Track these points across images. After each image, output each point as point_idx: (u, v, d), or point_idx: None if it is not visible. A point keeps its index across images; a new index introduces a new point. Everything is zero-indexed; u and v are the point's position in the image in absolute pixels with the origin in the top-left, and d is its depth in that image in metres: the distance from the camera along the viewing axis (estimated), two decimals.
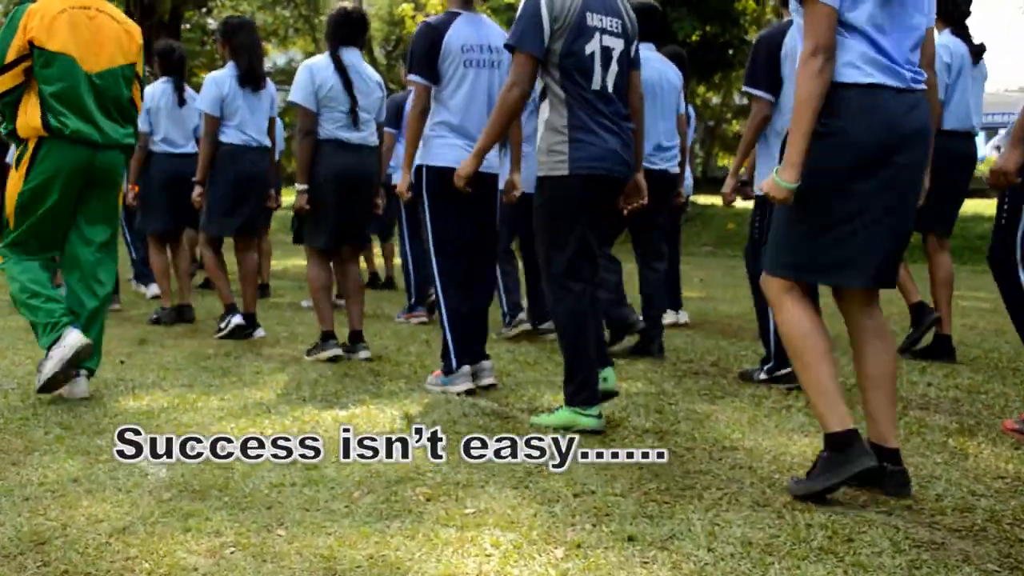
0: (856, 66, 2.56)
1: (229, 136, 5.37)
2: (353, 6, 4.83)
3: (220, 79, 5.36)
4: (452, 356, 4.02)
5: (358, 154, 4.75)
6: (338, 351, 4.73)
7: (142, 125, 5.95)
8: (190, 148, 6.09)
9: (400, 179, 4.15)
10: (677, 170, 5.37)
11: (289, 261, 11.30)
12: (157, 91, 6.04)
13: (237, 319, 5.47)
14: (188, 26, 27.96)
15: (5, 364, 4.59)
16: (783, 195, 2.59)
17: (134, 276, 8.28)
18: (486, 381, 4.11)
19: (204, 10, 26.90)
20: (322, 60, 4.71)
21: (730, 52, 17.58)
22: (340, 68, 4.65)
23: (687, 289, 7.58)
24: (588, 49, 3.32)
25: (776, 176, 2.59)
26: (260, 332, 5.53)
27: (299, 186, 4.66)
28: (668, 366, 4.75)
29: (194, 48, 30.46)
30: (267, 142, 5.57)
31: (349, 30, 4.73)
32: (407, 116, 4.16)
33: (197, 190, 5.48)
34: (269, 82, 5.59)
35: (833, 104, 2.56)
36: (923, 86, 2.66)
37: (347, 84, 4.64)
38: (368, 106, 4.77)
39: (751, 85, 4.20)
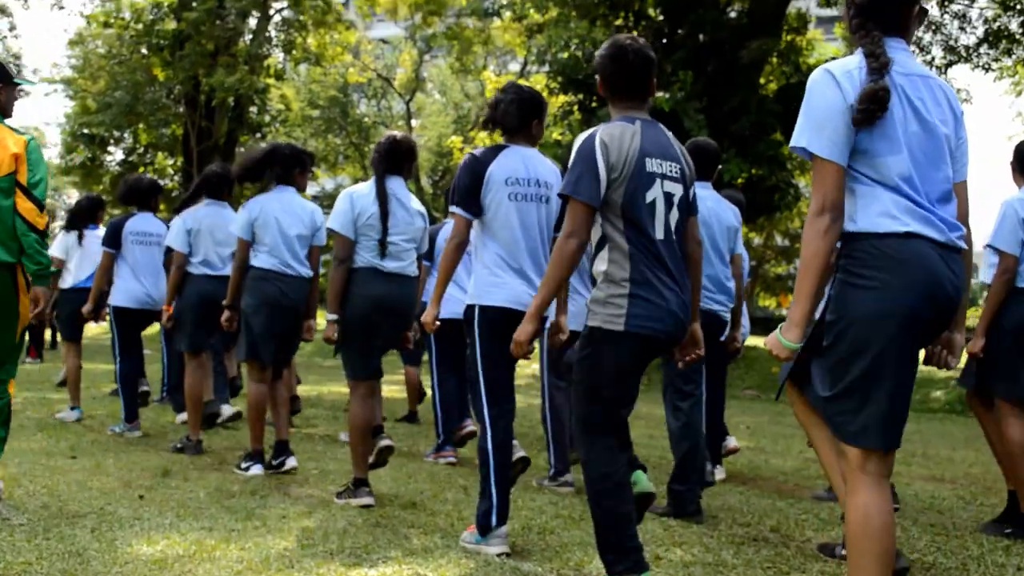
0: (892, 215, 2.46)
1: (261, 261, 5.23)
2: (402, 135, 4.73)
3: (250, 205, 5.29)
4: (493, 513, 3.71)
5: (394, 283, 4.58)
6: (370, 500, 4.43)
7: (180, 246, 5.84)
8: (226, 271, 5.98)
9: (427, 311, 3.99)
10: (727, 313, 5.11)
11: (324, 387, 11.07)
12: (200, 213, 5.97)
13: (257, 469, 5.21)
14: (242, 150, 28.73)
15: (19, 494, 4.34)
16: (786, 354, 2.55)
17: (160, 398, 8.14)
18: None
19: (258, 135, 27.64)
20: (364, 188, 4.60)
21: (776, 196, 17.54)
22: (382, 197, 4.53)
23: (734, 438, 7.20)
24: (649, 197, 3.14)
25: (780, 335, 2.54)
26: (292, 462, 5.25)
27: (330, 316, 4.48)
28: (724, 530, 4.37)
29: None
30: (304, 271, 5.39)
31: (397, 159, 4.63)
32: (443, 248, 3.97)
33: (226, 314, 5.35)
34: (317, 210, 5.49)
35: (872, 255, 2.47)
36: (964, 244, 2.57)
37: (384, 215, 4.51)
38: (408, 236, 4.63)
39: None
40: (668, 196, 3.17)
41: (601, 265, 3.18)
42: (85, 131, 26.58)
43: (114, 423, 6.98)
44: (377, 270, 4.52)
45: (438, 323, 3.96)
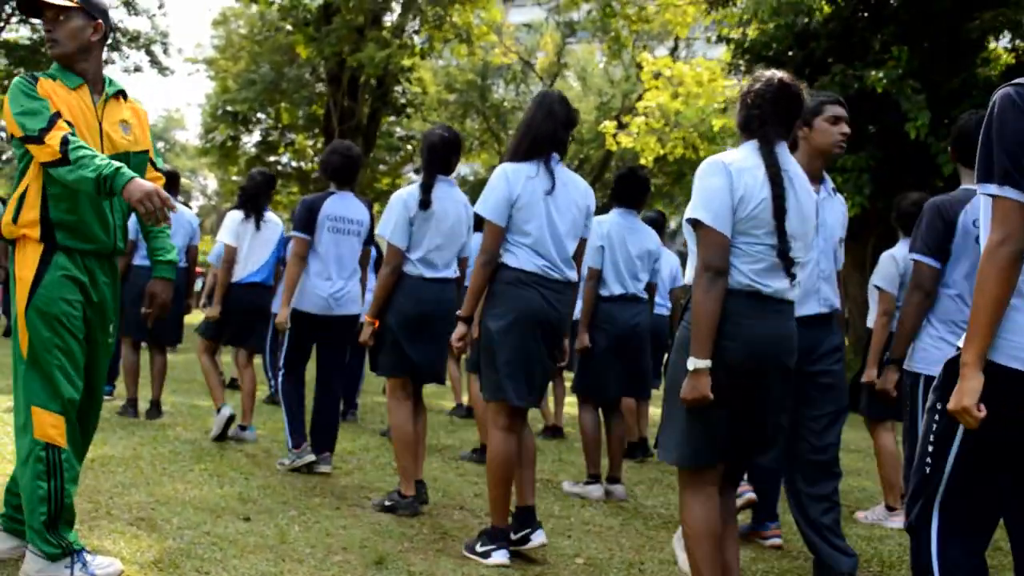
0: None
1: (520, 259, 3.74)
2: (791, 77, 3.03)
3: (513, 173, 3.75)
4: None
5: (779, 318, 2.87)
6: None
7: (398, 239, 4.33)
8: (450, 273, 4.48)
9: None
10: None
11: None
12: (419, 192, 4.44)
13: (501, 556, 3.65)
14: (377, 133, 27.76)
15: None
16: None
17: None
18: None
19: (403, 116, 26.59)
20: (747, 158, 2.86)
21: None
22: (775, 176, 2.82)
23: None
24: None
25: None
26: (540, 537, 3.74)
27: (698, 362, 2.73)
28: None
29: (380, 155, 30.40)
30: (572, 275, 3.89)
31: (789, 114, 2.93)
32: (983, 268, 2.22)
33: (460, 329, 3.81)
34: (590, 190, 3.96)
35: None
36: None
37: (779, 206, 2.80)
38: (807, 238, 2.94)
39: None
40: None
41: None
42: (228, 108, 26.00)
43: (279, 449, 5.65)
44: (759, 294, 2.82)
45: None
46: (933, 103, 13.72)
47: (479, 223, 3.99)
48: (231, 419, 5.77)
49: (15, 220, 3.04)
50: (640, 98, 24.16)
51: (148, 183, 2.88)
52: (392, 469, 5.36)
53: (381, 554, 3.56)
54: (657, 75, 22.54)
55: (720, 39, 17.14)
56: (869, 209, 13.67)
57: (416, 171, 30.73)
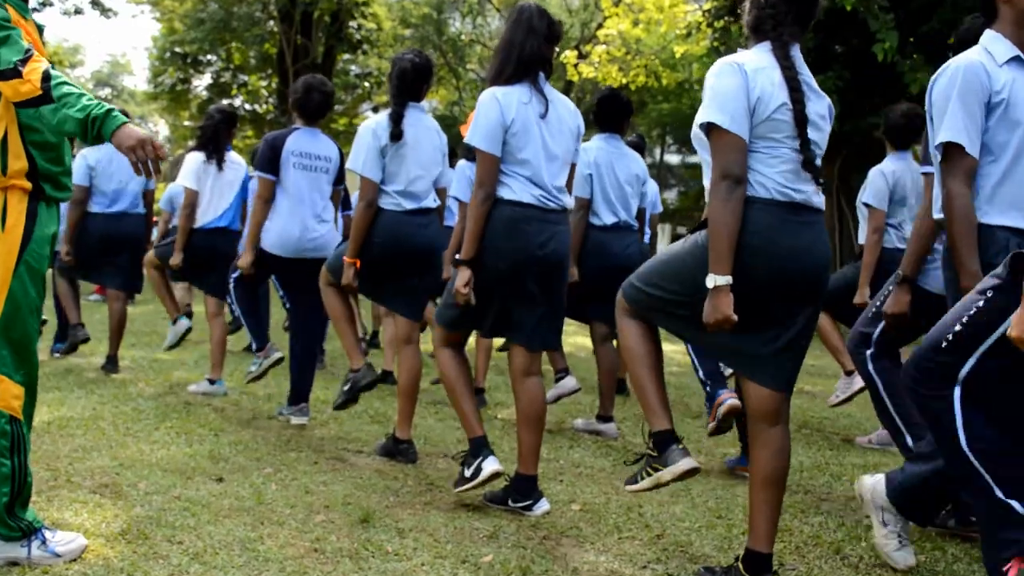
0: None
1: (513, 190, 3.45)
2: None
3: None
4: None
5: (812, 230, 2.66)
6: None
7: (370, 172, 4.04)
8: (431, 202, 4.21)
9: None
10: None
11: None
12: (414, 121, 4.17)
13: (491, 464, 3.46)
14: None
15: (159, 574, 2.67)
16: None
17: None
18: None
19: (354, 53, 25.87)
20: (754, 57, 2.65)
21: None
22: (792, 78, 2.61)
23: None
24: None
25: None
26: (543, 505, 3.49)
27: (717, 278, 2.52)
28: None
29: (337, 94, 29.69)
30: (568, 202, 3.65)
31: (806, 9, 2.70)
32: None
33: (465, 275, 3.42)
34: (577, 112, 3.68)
35: None
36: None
37: (799, 108, 2.59)
38: (822, 144, 2.71)
39: None
40: None
41: None
42: (176, 50, 25.14)
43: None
44: (791, 205, 2.62)
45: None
46: (900, 22, 13.47)
47: (451, 155, 3.72)
48: (188, 332, 5.95)
49: (4, 171, 2.66)
50: (600, 26, 23.70)
51: (140, 130, 2.56)
52: (368, 418, 5.17)
53: (366, 511, 3.33)
54: (617, 2, 22.05)
55: None
56: (836, 130, 13.52)
57: (374, 109, 30.08)
